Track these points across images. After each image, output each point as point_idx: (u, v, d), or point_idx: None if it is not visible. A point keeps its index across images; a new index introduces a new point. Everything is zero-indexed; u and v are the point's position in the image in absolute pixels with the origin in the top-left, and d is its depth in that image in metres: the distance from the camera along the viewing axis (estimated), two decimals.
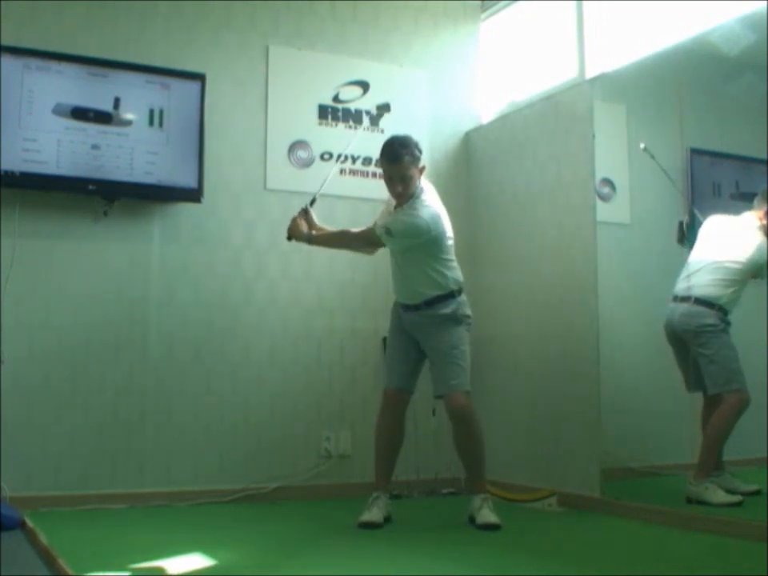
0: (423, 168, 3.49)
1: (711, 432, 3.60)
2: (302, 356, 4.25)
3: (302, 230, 3.59)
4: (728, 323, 3.66)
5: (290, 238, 3.63)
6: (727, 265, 3.69)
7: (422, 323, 3.48)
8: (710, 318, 3.66)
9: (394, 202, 3.53)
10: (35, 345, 3.75)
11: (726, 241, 3.75)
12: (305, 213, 3.63)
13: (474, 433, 3.44)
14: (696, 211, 3.91)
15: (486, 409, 4.16)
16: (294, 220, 3.61)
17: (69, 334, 3.81)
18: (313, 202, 3.66)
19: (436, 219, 3.42)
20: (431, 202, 3.46)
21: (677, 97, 4.05)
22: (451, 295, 3.47)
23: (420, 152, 3.47)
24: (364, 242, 3.61)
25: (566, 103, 4.11)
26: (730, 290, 3.66)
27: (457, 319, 3.46)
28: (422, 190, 3.47)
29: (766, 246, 3.66)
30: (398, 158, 3.39)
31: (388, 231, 3.40)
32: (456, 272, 3.52)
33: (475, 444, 3.45)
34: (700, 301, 3.68)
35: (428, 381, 3.55)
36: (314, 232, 3.62)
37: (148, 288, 3.98)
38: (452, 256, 3.52)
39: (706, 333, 3.65)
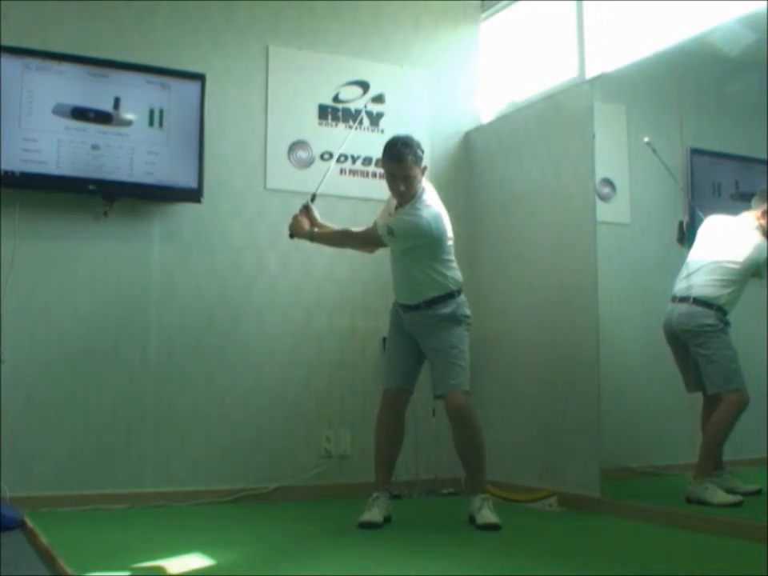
0: (425, 168, 3.49)
1: (710, 432, 3.60)
2: (301, 356, 4.24)
3: (303, 227, 3.58)
4: (727, 323, 3.66)
5: (292, 236, 3.62)
6: (725, 265, 3.69)
7: (422, 323, 3.48)
8: (708, 318, 3.66)
9: (394, 202, 3.53)
10: (35, 345, 3.75)
11: (724, 241, 3.75)
12: (306, 209, 3.62)
13: (474, 433, 3.44)
14: (696, 209, 3.91)
15: (486, 409, 4.16)
16: (295, 217, 3.61)
17: (69, 334, 3.81)
18: (313, 198, 3.65)
19: (438, 219, 3.42)
20: (432, 202, 3.46)
21: (677, 97, 4.05)
22: (451, 295, 3.47)
23: (422, 152, 3.46)
24: (366, 241, 3.62)
25: (566, 103, 4.11)
26: (729, 290, 3.66)
27: (456, 319, 3.46)
28: (423, 190, 3.47)
29: (764, 245, 3.66)
30: (401, 156, 3.39)
31: (390, 231, 3.40)
32: (456, 272, 3.51)
33: (475, 444, 3.45)
34: (698, 301, 3.69)
35: (428, 381, 3.55)
36: (315, 229, 3.61)
37: (148, 288, 3.98)
38: (452, 256, 3.52)
39: (705, 333, 3.65)
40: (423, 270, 3.44)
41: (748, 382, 3.56)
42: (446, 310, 3.45)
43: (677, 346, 3.76)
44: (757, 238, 3.68)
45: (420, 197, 3.44)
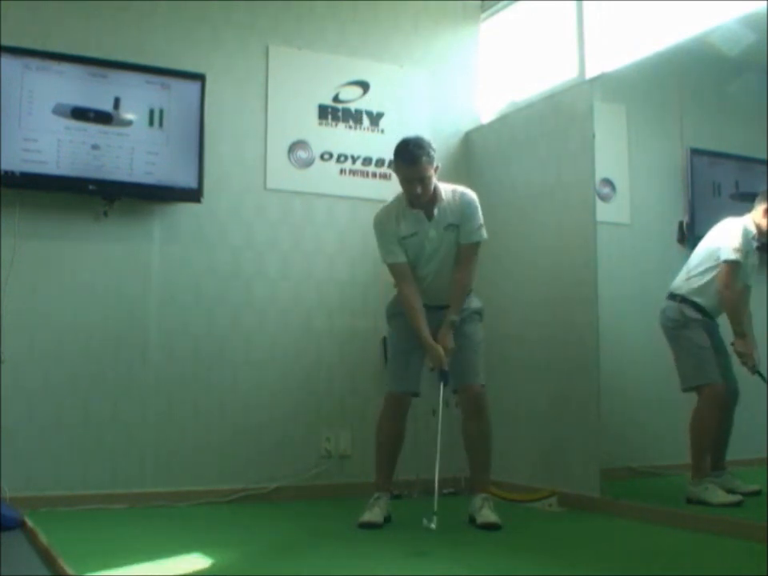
0: (438, 168, 3.43)
1: (693, 431, 3.57)
2: (302, 356, 4.24)
3: (442, 343, 3.38)
4: (690, 317, 3.62)
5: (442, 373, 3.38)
6: (693, 256, 3.72)
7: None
8: (671, 311, 3.70)
9: (403, 223, 3.43)
10: (35, 345, 3.75)
11: (708, 240, 3.74)
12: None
13: (488, 425, 3.46)
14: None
15: None
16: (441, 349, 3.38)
17: (69, 334, 3.81)
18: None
19: None
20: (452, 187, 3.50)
21: (677, 97, 4.05)
22: (471, 291, 3.54)
23: (434, 151, 3.39)
24: (475, 262, 3.52)
25: (566, 103, 4.11)
26: (694, 279, 3.67)
27: (481, 315, 3.55)
28: (438, 187, 3.44)
29: (731, 230, 3.60)
30: (415, 159, 3.32)
31: (481, 227, 3.46)
32: None
33: (487, 438, 3.47)
34: (669, 295, 3.73)
35: (428, 381, 3.53)
36: (444, 338, 3.39)
37: (148, 288, 3.98)
38: None
39: (669, 328, 3.68)
40: None
41: (748, 381, 3.56)
42: (475, 304, 3.53)
43: None
44: (733, 229, 3.62)
45: (441, 192, 3.43)
